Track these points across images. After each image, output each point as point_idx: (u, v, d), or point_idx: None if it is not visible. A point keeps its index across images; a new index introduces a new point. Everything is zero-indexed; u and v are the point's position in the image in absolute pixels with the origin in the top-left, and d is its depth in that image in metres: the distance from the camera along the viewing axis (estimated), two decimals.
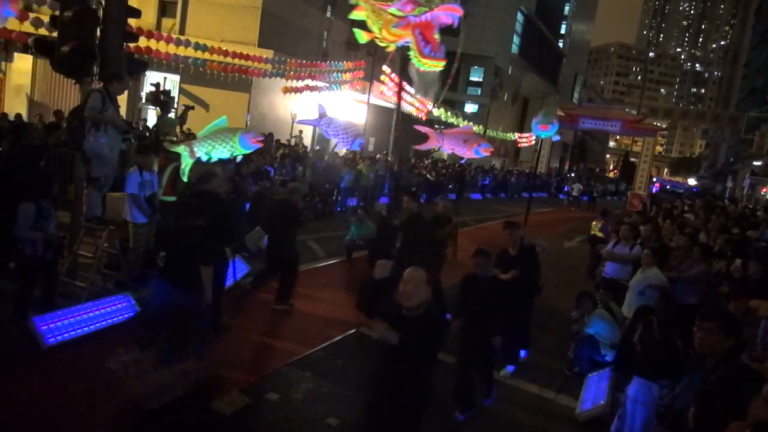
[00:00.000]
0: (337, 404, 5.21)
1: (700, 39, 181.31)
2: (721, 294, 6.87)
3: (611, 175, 71.46)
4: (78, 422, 4.41)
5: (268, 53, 19.68)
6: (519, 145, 48.44)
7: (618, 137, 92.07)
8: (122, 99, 16.18)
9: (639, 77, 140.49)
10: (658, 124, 40.54)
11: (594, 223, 13.47)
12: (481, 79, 46.74)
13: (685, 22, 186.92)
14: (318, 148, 21.38)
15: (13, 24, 13.95)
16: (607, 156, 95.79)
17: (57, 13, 6.63)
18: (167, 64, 17.00)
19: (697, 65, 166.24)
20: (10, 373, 4.86)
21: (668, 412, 3.45)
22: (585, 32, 76.64)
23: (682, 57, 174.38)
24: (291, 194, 7.43)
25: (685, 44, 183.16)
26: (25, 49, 17.02)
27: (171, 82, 19.74)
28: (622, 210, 23.80)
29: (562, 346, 7.36)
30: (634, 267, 7.54)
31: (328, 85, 22.44)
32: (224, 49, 17.73)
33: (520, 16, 49.02)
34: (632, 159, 55.58)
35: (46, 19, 11.32)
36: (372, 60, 25.58)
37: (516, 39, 48.95)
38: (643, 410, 4.24)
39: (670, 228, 10.33)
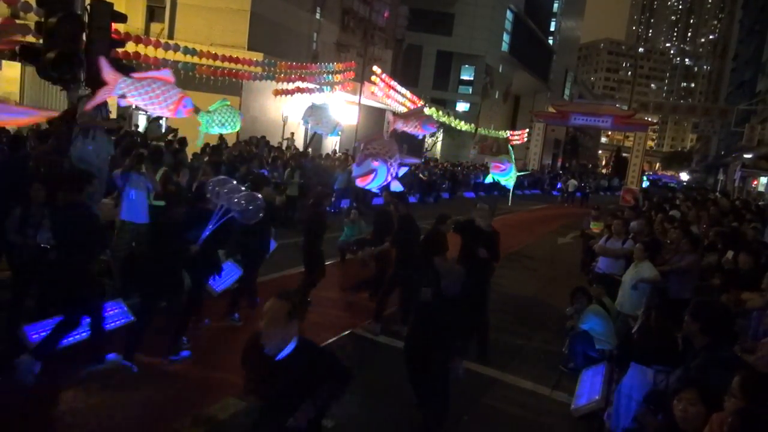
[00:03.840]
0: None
1: (689, 33, 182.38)
2: (712, 287, 6.89)
3: (606, 168, 71.69)
4: (72, 425, 4.38)
5: (257, 56, 19.62)
6: (511, 142, 48.59)
7: (610, 133, 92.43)
8: (112, 104, 16.09)
9: (629, 73, 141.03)
10: (649, 119, 40.74)
11: (592, 223, 13.42)
12: (471, 78, 46.80)
13: (673, 17, 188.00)
14: (310, 149, 21.34)
15: None
16: (600, 152, 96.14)
17: (42, 19, 6.60)
18: (156, 69, 16.93)
19: (687, 59, 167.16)
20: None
21: (654, 395, 3.50)
22: (574, 29, 76.87)
23: (672, 52, 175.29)
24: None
25: (674, 39, 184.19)
26: (12, 57, 16.86)
27: None
28: (614, 205, 23.88)
29: (557, 342, 7.38)
30: (626, 262, 7.57)
31: (318, 86, 22.41)
32: (213, 52, 17.68)
33: (509, 14, 49.13)
34: (624, 154, 55.79)
35: (32, 25, 11.28)
36: (362, 61, 25.60)
37: (506, 37, 49.07)
38: (636, 407, 4.25)
39: (661, 222, 10.36)
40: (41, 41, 6.65)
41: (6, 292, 5.90)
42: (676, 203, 17.36)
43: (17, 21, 13.67)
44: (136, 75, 5.22)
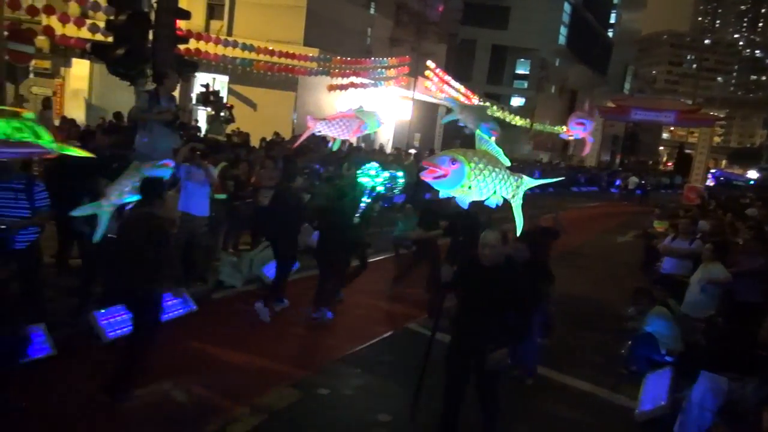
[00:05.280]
0: (388, 401, 5.19)
1: (760, 24, 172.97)
2: None
3: (664, 165, 68.97)
4: (133, 413, 4.52)
5: (313, 52, 19.85)
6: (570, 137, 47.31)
7: (672, 128, 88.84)
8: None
9: (693, 66, 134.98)
10: (715, 114, 38.92)
11: (656, 222, 12.87)
12: (527, 72, 45.91)
13: (742, 6, 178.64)
14: (363, 144, 21.44)
15: (71, 30, 14.53)
16: (661, 148, 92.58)
17: (112, 17, 6.86)
18: (216, 65, 17.38)
19: (757, 51, 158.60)
20: (74, 365, 5.05)
21: (729, 405, 3.32)
22: (635, 21, 74.14)
23: (740, 43, 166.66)
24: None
25: (743, 29, 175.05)
26: (82, 55, 17.71)
27: (220, 82, 20.15)
28: (676, 204, 22.95)
29: (613, 343, 7.13)
30: (694, 263, 7.24)
31: (372, 81, 22.47)
32: (270, 48, 17.98)
33: (567, 7, 47.87)
34: (688, 151, 53.48)
35: (101, 24, 11.75)
36: (416, 55, 25.47)
37: (563, 30, 47.85)
38: (711, 417, 4.04)
39: (731, 222, 9.87)
40: (111, 39, 6.91)
41: (77, 279, 6.19)
42: (747, 202, 16.52)
43: (88, 20, 14.35)
44: (328, 117, 6.74)
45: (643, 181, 32.50)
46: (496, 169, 3.53)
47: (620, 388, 6.01)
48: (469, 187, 3.44)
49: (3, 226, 4.91)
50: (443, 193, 3.53)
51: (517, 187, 3.71)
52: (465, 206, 3.60)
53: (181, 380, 5.07)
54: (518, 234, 3.87)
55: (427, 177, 3.38)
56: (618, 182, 34.59)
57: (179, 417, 4.57)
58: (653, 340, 6.20)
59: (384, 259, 9.70)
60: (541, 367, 6.23)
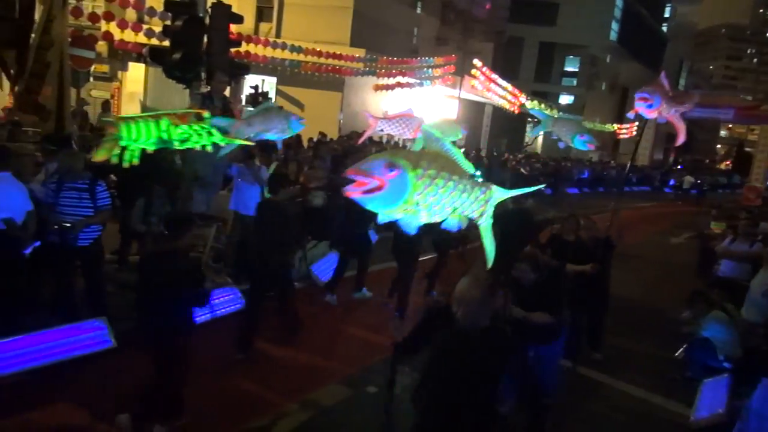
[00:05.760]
0: None
1: None
2: None
3: (723, 165, 66.28)
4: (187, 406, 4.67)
5: (359, 52, 19.96)
6: (618, 136, 46.09)
7: (731, 126, 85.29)
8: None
9: (754, 60, 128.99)
10: None
11: (713, 223, 12.44)
12: (576, 69, 44.94)
13: None
14: (409, 145, 21.43)
15: (128, 36, 15.11)
16: (718, 146, 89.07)
17: (169, 22, 7.11)
18: (264, 67, 17.72)
19: None
20: (134, 357, 5.26)
21: None
22: (691, 14, 71.52)
23: None
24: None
25: None
26: (138, 59, 18.38)
27: (268, 84, 20.53)
28: (734, 204, 22.01)
29: (666, 348, 6.93)
30: (754, 266, 6.96)
31: (419, 81, 22.44)
32: (318, 49, 18.19)
33: (618, 1, 46.58)
34: (748, 149, 51.24)
35: (156, 29, 12.17)
36: (462, 54, 25.30)
37: (614, 25, 46.59)
38: None
39: None
40: (166, 44, 7.16)
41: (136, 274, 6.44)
42: None
43: (144, 26, 14.89)
44: (389, 115, 6.85)
45: (698, 181, 31.36)
46: (455, 178, 2.50)
47: (675, 394, 5.85)
48: (417, 204, 2.42)
49: (68, 224, 5.20)
50: (382, 217, 2.45)
51: (486, 201, 2.67)
52: (412, 231, 2.50)
53: (232, 375, 5.22)
54: (489, 266, 2.78)
55: (353, 192, 2.31)
56: (672, 182, 33.48)
57: (230, 410, 4.70)
58: (710, 345, 6.01)
59: (430, 258, 9.67)
60: (593, 370, 6.13)
